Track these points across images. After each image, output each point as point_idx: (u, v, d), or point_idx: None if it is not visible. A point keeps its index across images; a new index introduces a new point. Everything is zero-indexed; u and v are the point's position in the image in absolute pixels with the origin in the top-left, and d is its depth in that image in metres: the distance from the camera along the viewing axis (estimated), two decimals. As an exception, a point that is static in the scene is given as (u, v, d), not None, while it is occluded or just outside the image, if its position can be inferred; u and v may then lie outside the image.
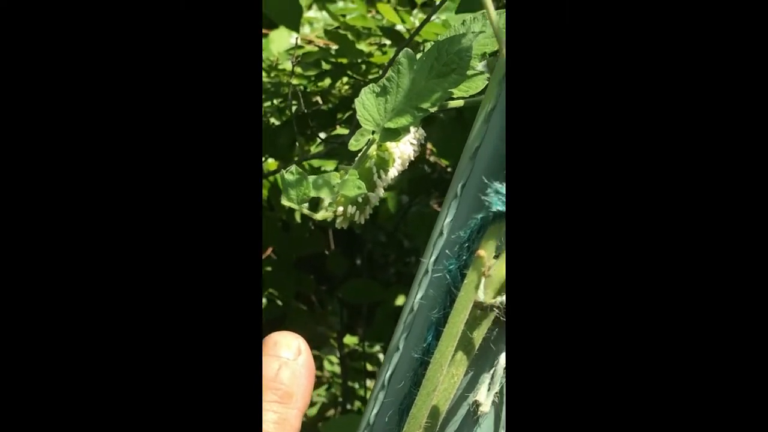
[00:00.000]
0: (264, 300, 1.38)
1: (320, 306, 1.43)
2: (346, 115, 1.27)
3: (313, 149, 1.21)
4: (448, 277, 0.46)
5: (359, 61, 1.26)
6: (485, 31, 0.50)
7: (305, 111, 1.17)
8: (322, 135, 1.18)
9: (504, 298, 0.46)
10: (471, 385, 0.49)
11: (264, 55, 1.33)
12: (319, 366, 1.45)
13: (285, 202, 0.49)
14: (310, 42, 1.42)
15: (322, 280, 1.43)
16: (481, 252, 0.45)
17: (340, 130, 1.25)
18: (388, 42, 1.30)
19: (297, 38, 1.13)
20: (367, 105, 0.50)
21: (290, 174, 0.49)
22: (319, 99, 1.38)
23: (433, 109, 0.50)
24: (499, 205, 0.44)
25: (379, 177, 0.52)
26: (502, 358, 0.48)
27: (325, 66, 1.30)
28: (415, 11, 1.36)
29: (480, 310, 0.46)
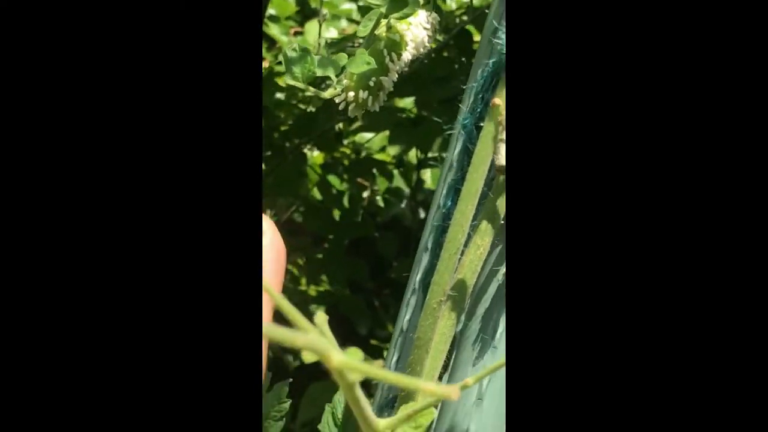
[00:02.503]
0: (317, 289, 1.35)
1: (376, 294, 1.41)
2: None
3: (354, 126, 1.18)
4: (463, 132, 0.43)
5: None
6: None
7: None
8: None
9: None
10: (501, 259, 0.45)
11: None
12: (380, 356, 1.42)
13: (289, 80, 0.46)
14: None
15: (375, 268, 1.40)
16: (497, 100, 0.41)
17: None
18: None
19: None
20: (372, -22, 0.48)
21: (293, 51, 0.46)
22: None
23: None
24: (511, 46, 0.41)
25: (392, 60, 0.49)
26: (532, 226, 0.45)
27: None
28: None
29: (502, 174, 0.43)
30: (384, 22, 0.49)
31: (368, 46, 0.49)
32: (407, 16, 0.49)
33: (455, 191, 0.44)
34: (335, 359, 0.28)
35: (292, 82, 0.46)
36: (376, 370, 0.30)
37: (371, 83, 0.49)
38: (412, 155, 1.23)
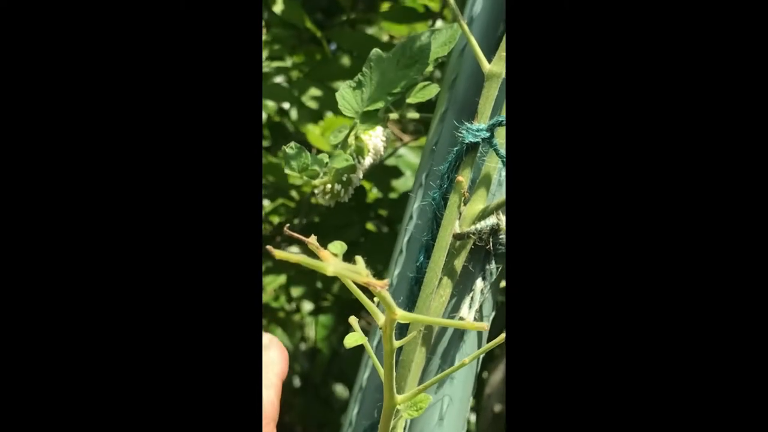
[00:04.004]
0: None
1: None
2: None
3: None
4: (433, 203, 0.56)
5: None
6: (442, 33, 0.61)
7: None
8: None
9: (476, 226, 0.55)
10: (455, 309, 0.58)
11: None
12: None
13: (287, 171, 0.59)
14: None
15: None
16: (460, 178, 0.55)
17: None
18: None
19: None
20: (347, 97, 0.61)
21: (290, 148, 0.59)
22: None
23: (399, 94, 0.61)
24: (470, 137, 0.54)
25: (358, 162, 0.62)
26: (479, 282, 0.57)
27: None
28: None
29: (458, 240, 0.56)
30: (352, 132, 0.62)
31: (343, 148, 0.62)
32: (371, 128, 0.62)
33: (426, 249, 0.56)
34: (399, 313, 0.39)
35: (289, 172, 0.59)
36: (436, 319, 0.41)
37: (344, 179, 0.61)
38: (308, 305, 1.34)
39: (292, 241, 1.19)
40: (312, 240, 0.37)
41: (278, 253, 0.32)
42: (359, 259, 0.38)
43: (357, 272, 0.34)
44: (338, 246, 0.39)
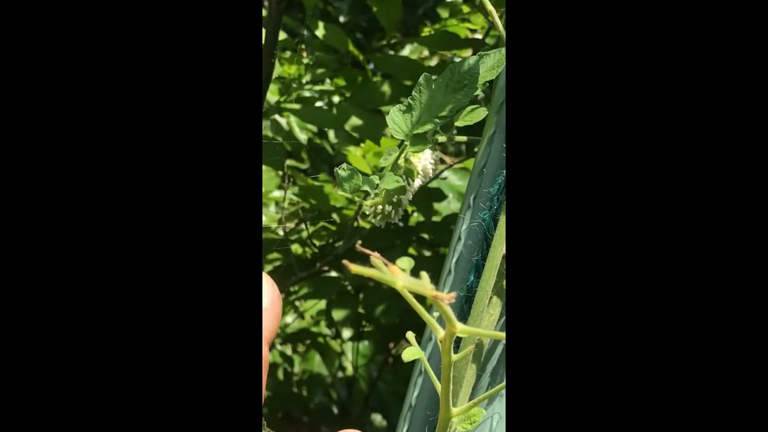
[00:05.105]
0: None
1: None
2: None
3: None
4: (483, 224, 0.57)
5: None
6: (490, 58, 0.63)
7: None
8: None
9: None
10: (504, 327, 0.59)
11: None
12: None
13: (340, 192, 0.60)
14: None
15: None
16: (509, 199, 0.56)
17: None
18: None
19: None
20: (396, 120, 0.63)
21: (343, 170, 0.60)
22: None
23: (447, 117, 0.62)
24: (519, 159, 0.56)
25: (408, 183, 0.64)
26: (529, 301, 0.58)
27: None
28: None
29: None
30: (402, 154, 0.64)
31: (394, 170, 0.63)
32: (420, 151, 0.64)
33: (477, 269, 0.57)
34: (459, 327, 0.40)
35: (342, 194, 0.60)
36: (493, 332, 0.42)
37: (394, 200, 0.63)
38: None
39: (332, 264, 1.21)
40: (378, 255, 0.38)
41: (353, 267, 0.33)
42: (424, 274, 0.39)
43: (424, 286, 0.35)
44: (406, 262, 0.40)
